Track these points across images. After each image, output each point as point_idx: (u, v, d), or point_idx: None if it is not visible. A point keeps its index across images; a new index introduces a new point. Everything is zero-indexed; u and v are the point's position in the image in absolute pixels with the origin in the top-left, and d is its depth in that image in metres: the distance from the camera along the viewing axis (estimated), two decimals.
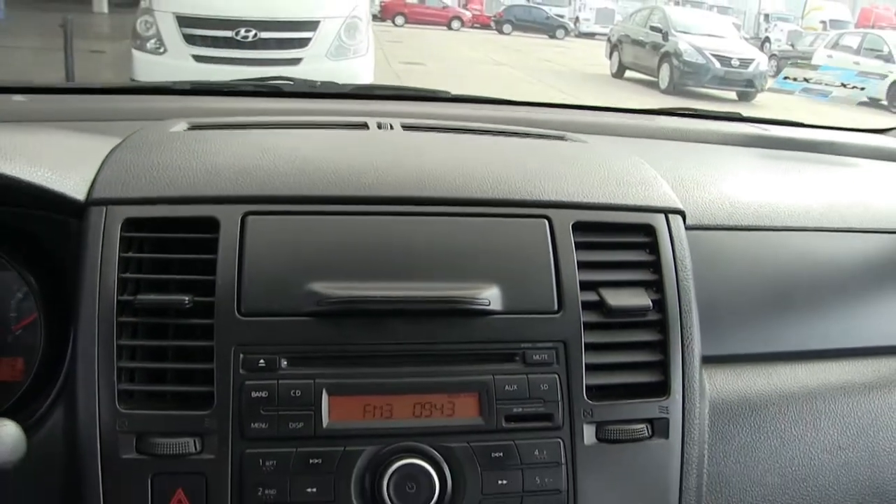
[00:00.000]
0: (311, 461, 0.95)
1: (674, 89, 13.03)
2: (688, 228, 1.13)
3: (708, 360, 1.10)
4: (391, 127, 1.37)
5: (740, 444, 1.11)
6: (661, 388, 1.05)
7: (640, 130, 1.72)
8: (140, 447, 0.95)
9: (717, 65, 13.07)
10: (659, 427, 1.03)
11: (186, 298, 0.98)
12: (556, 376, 1.01)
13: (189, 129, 1.27)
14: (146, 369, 0.98)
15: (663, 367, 1.05)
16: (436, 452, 0.97)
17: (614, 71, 15.49)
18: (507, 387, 0.99)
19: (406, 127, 1.37)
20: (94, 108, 1.60)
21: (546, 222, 1.07)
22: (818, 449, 1.15)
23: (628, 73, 15.14)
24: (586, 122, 1.72)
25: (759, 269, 1.23)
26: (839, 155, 1.73)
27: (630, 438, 1.02)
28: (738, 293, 1.20)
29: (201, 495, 0.95)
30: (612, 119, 1.80)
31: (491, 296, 1.01)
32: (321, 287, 0.99)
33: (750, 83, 13.05)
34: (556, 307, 1.03)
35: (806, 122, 1.95)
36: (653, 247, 1.10)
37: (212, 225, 1.01)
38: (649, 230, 1.10)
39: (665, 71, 13.56)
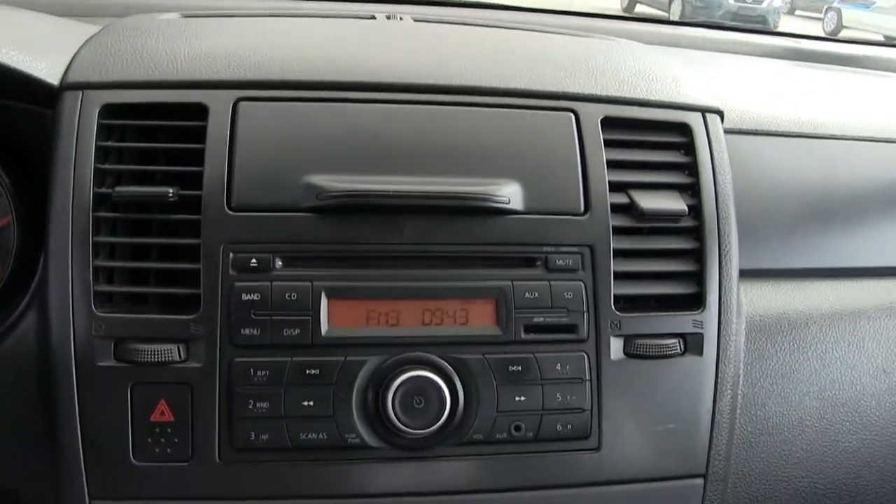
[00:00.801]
0: (307, 372, 0.86)
1: None
2: (726, 132, 1.02)
3: (744, 275, 1.00)
4: (401, 18, 1.24)
5: (778, 364, 1.01)
6: (695, 301, 0.95)
7: (670, 39, 1.59)
8: (119, 354, 0.85)
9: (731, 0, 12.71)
10: (692, 343, 0.93)
11: (171, 191, 0.87)
12: (582, 284, 0.91)
13: (181, 17, 1.15)
14: (126, 269, 0.88)
15: (698, 277, 0.95)
16: (447, 364, 0.88)
17: (625, 5, 15.10)
18: (527, 294, 0.89)
19: (417, 19, 1.25)
20: (77, 3, 1.46)
21: (573, 116, 0.95)
22: (861, 372, 1.05)
23: (639, 8, 14.76)
24: (612, 28, 1.59)
25: (800, 179, 1.12)
26: (881, 70, 1.60)
27: (661, 354, 0.92)
28: (778, 204, 1.09)
29: (186, 407, 0.85)
30: (639, 27, 1.67)
31: (511, 193, 0.90)
32: (321, 180, 0.88)
33: (763, 20, 12.69)
34: (582, 208, 0.92)
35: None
36: (689, 148, 0.99)
37: (200, 112, 0.90)
38: (685, 129, 0.99)
39: (676, 5, 13.18)
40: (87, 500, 0.86)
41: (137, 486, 0.86)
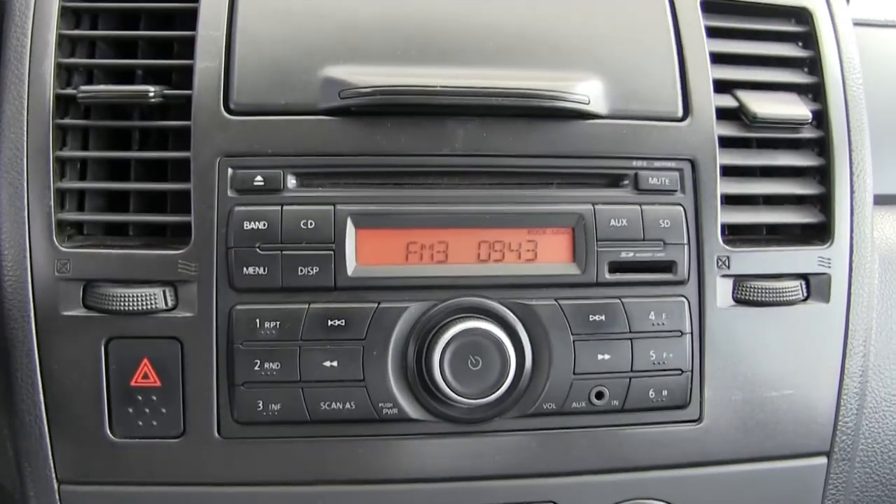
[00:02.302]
0: (330, 323, 0.67)
1: None
2: (853, 24, 0.80)
3: (875, 201, 0.79)
4: None
5: None
6: (821, 232, 0.75)
7: None
8: (89, 300, 0.67)
9: None
10: (817, 286, 0.74)
11: (152, 90, 0.68)
12: (681, 208, 0.71)
13: None
14: (99, 192, 0.69)
15: (825, 203, 0.75)
16: (509, 313, 0.68)
17: None
18: (612, 222, 0.69)
19: None
20: None
21: None
22: None
23: None
24: None
25: None
26: None
27: (778, 300, 0.72)
28: None
29: (176, 368, 0.67)
30: None
31: (591, 91, 0.70)
32: (345, 73, 0.68)
33: None
34: (680, 112, 0.72)
35: None
36: (810, 38, 0.78)
37: None
38: (805, 16, 0.79)
39: None
40: (55, 485, 0.68)
41: (116, 467, 0.68)
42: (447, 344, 0.66)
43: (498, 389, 0.67)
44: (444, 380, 0.66)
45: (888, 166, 0.87)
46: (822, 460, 0.75)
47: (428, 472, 0.69)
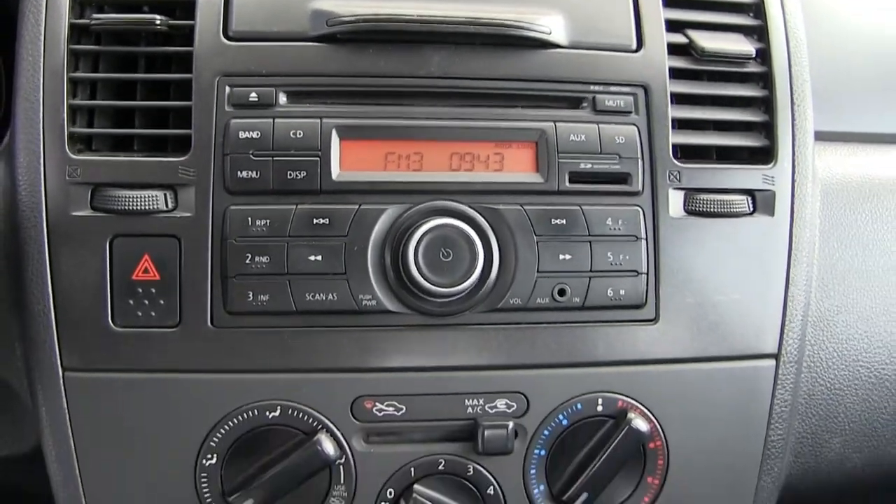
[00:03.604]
0: (315, 221, 0.73)
1: None
2: None
3: (819, 137, 0.86)
4: None
5: (858, 234, 0.88)
6: (765, 155, 0.82)
7: None
8: (96, 202, 0.73)
9: None
10: (762, 201, 0.80)
11: (159, 19, 0.75)
12: (636, 128, 0.78)
13: None
14: (107, 109, 0.76)
15: (768, 129, 0.82)
16: (479, 216, 0.75)
17: None
18: (572, 136, 0.76)
19: None
20: None
21: None
22: None
23: None
24: None
25: (887, 33, 0.99)
26: None
27: (727, 212, 0.79)
28: (858, 60, 0.96)
29: (173, 264, 0.73)
30: None
31: (553, 23, 0.77)
32: (332, 4, 0.76)
33: None
34: (634, 44, 0.79)
35: None
36: None
37: None
38: None
39: None
40: (59, 371, 0.73)
41: (117, 355, 0.73)
42: (421, 238, 0.72)
43: (467, 279, 0.73)
44: (418, 270, 0.72)
45: (836, 108, 0.93)
46: (771, 363, 0.80)
47: (404, 362, 0.75)
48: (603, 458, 0.76)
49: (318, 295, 0.73)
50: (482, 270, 0.73)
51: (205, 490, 0.74)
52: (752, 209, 0.80)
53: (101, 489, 0.75)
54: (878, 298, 0.86)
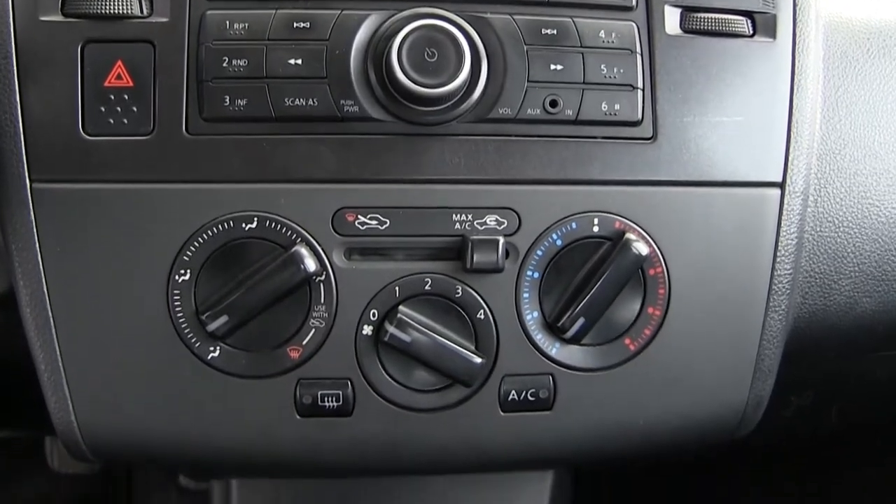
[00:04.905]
0: (295, 25, 0.70)
1: None
2: None
3: None
4: None
5: (866, 70, 0.83)
6: None
7: None
8: (67, 7, 0.70)
9: None
10: (763, 24, 0.77)
11: None
12: None
13: None
14: None
15: None
16: (466, 23, 0.72)
17: None
18: None
19: None
20: None
21: None
22: None
23: None
24: None
25: None
26: None
27: (725, 31, 0.75)
28: None
29: (147, 69, 0.70)
30: None
31: None
32: None
33: None
34: None
35: None
36: None
37: None
38: None
39: None
40: (27, 182, 0.70)
41: (88, 164, 0.70)
42: (405, 38, 0.69)
43: (454, 81, 0.68)
44: (402, 70, 0.68)
45: None
46: (776, 192, 0.76)
47: (388, 173, 0.71)
48: (600, 280, 0.72)
49: (297, 100, 0.70)
50: (470, 76, 0.70)
51: (177, 308, 0.70)
52: (752, 31, 0.77)
53: (69, 307, 0.71)
54: (886, 134, 0.82)
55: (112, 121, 0.70)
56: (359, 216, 0.71)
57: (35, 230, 0.70)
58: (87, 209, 0.70)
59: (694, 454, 0.85)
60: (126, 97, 0.70)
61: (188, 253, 0.70)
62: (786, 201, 0.76)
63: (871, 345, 0.88)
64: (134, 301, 0.71)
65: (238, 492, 1.06)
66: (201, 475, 1.25)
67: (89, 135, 0.70)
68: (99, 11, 0.70)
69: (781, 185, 0.76)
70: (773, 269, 0.77)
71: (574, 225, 0.73)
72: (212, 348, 0.71)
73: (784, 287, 0.77)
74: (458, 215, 0.72)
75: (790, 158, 0.76)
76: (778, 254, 0.77)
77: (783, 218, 0.76)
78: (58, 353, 0.71)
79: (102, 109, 0.70)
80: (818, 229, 0.81)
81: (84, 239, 0.70)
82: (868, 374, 0.96)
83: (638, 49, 0.74)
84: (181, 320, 0.71)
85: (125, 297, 0.71)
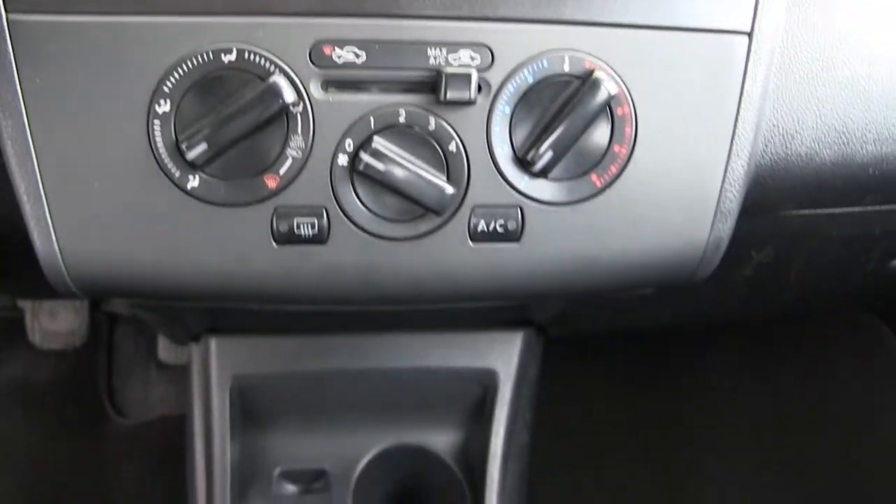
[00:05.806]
0: None
1: None
2: None
3: None
4: None
5: None
6: None
7: None
8: None
9: None
10: None
11: None
12: None
13: None
14: None
15: None
16: None
17: None
18: None
19: None
20: None
21: None
22: None
23: None
24: None
25: None
26: None
27: None
28: None
29: None
30: None
31: None
32: None
33: None
34: None
35: None
36: None
37: None
38: None
39: None
40: (3, 13, 0.70)
41: None
42: None
43: None
44: None
45: None
46: (744, 39, 0.78)
47: (366, 7, 0.72)
48: (569, 116, 0.74)
49: None
50: None
51: (157, 138, 0.72)
52: None
53: (50, 138, 0.72)
54: None
55: None
56: (336, 49, 0.73)
57: (13, 62, 0.71)
58: (66, 41, 0.70)
59: (659, 292, 0.89)
60: None
61: (168, 84, 0.71)
62: (753, 49, 0.79)
63: (828, 199, 0.92)
64: (114, 131, 0.72)
65: (217, 350, 1.10)
66: (179, 335, 1.28)
67: None
68: None
69: (749, 34, 0.78)
70: (737, 115, 0.79)
71: (545, 62, 0.75)
72: (191, 177, 0.73)
73: (747, 133, 0.80)
74: (433, 49, 0.74)
75: (759, 8, 0.78)
76: (742, 101, 0.79)
77: (749, 66, 0.79)
78: (39, 183, 0.73)
79: None
80: (783, 79, 0.83)
81: (64, 70, 0.71)
82: (824, 233, 1.00)
83: None
84: (161, 150, 0.72)
85: (106, 128, 0.72)
